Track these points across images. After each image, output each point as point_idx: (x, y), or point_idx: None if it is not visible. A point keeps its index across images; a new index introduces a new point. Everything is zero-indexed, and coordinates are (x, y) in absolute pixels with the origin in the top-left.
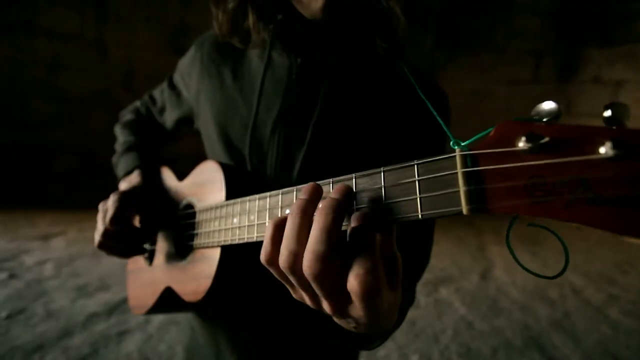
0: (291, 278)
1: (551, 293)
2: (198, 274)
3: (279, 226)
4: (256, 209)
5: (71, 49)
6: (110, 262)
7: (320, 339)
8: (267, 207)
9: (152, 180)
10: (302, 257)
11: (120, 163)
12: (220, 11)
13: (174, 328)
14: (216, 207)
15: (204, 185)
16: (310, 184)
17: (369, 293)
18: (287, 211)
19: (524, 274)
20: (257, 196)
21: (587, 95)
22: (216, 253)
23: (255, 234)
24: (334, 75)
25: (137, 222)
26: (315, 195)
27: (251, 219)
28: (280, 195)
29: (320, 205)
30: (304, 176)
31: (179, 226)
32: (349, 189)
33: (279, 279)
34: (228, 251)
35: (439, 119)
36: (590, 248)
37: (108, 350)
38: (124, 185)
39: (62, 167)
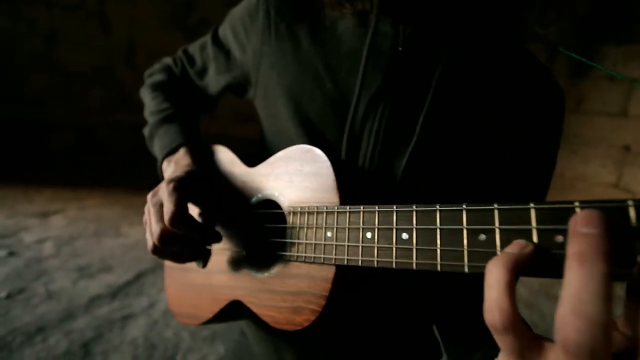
0: None
1: (556, 291)
2: (296, 298)
3: (516, 270)
4: (413, 224)
5: (70, 21)
6: (113, 243)
7: None
8: (437, 224)
9: (206, 162)
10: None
11: (158, 138)
12: None
13: None
14: (329, 212)
15: (301, 178)
16: (593, 211)
17: None
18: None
19: None
20: (412, 207)
21: (600, 93)
22: (328, 273)
23: (415, 260)
24: (452, 53)
25: (197, 217)
26: (610, 231)
27: (404, 238)
28: (463, 212)
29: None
30: (411, 174)
31: (253, 227)
32: (616, 222)
33: (513, 353)
34: (345, 272)
35: None
36: None
37: (113, 334)
38: (171, 169)
39: (61, 143)
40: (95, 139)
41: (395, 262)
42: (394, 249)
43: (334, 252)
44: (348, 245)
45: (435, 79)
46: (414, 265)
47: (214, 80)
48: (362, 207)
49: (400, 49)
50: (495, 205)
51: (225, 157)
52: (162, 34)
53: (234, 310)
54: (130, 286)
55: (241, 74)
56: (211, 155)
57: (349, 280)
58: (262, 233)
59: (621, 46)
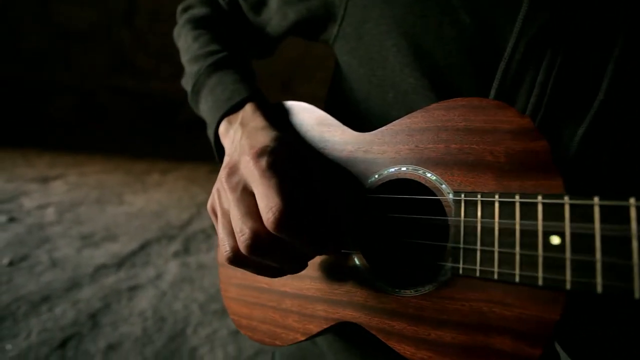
0: None
1: None
2: (478, 335)
3: None
4: None
5: None
6: (116, 211)
7: None
8: None
9: (284, 124)
10: None
11: (209, 90)
12: None
13: (188, 286)
14: (551, 204)
15: (474, 148)
16: None
17: None
18: None
19: None
20: None
21: None
22: (550, 304)
23: None
24: None
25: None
26: None
27: None
28: None
29: None
30: (591, 145)
31: (374, 218)
32: None
33: None
34: (573, 300)
35: None
36: None
37: (120, 305)
38: (236, 134)
39: (60, 107)
40: (94, 102)
41: None
42: None
43: (566, 270)
44: (604, 262)
45: (629, 18)
46: None
47: (278, 15)
48: (632, 200)
49: None
50: None
51: (312, 117)
52: None
53: (336, 330)
54: (135, 256)
55: (320, 4)
56: (286, 115)
57: (575, 311)
58: (392, 228)
59: None
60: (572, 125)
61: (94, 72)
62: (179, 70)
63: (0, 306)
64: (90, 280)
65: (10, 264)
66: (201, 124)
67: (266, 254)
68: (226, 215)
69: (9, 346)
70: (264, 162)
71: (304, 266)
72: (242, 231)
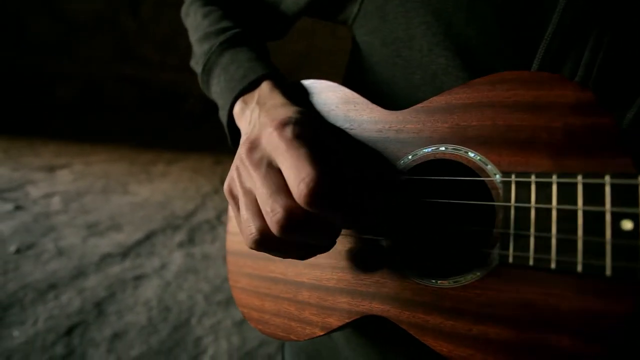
0: None
1: None
2: (527, 331)
3: None
4: None
5: None
6: (121, 200)
7: None
8: None
9: (305, 103)
10: None
11: (222, 69)
12: None
13: (193, 277)
14: (619, 184)
15: (526, 125)
16: None
17: None
18: None
19: None
20: None
21: None
22: (618, 296)
23: None
24: None
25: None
26: None
27: None
28: None
29: None
30: (638, 132)
31: (406, 202)
32: None
33: None
34: None
35: None
36: None
37: (125, 295)
38: (252, 114)
39: (65, 96)
40: (99, 92)
41: None
42: None
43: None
44: None
45: None
46: None
47: None
48: None
49: None
50: None
51: (336, 96)
52: None
53: (359, 324)
54: (140, 246)
55: None
56: (306, 94)
57: None
58: (426, 213)
59: None
60: (619, 109)
61: (98, 61)
62: (184, 60)
63: (8, 293)
64: (96, 269)
65: (17, 251)
66: (207, 114)
67: (300, 232)
68: (249, 194)
69: (16, 333)
70: (289, 131)
71: (333, 243)
72: (274, 210)
